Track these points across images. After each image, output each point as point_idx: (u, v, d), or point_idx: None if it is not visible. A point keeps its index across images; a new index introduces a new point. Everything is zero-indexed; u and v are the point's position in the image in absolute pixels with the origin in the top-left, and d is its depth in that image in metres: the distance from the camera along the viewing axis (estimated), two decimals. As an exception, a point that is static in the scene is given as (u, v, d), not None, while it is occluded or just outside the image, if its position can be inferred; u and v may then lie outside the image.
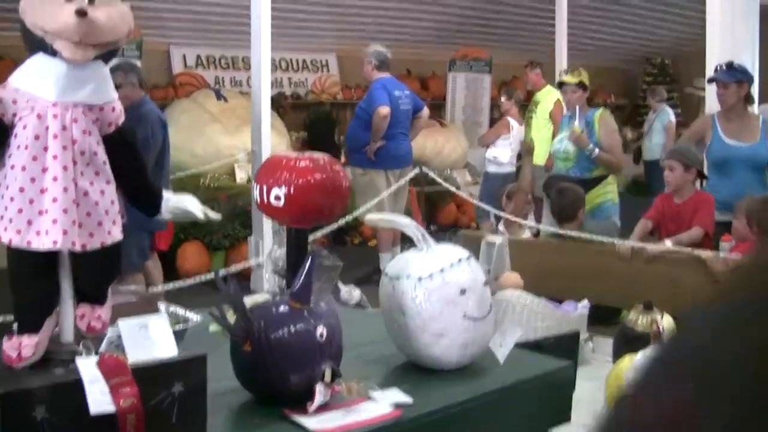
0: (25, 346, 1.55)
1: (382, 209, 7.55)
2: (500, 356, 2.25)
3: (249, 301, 2.01)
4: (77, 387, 1.50)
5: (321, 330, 1.90)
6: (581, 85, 6.14)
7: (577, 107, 6.09)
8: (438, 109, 12.52)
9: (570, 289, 4.38)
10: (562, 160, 6.07)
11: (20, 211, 1.55)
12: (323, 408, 1.88)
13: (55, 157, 1.54)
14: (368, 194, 7.36)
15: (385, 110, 7.22)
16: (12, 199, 1.55)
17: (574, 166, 5.98)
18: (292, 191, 2.42)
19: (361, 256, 8.18)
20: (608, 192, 5.94)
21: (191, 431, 1.65)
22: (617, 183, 6.23)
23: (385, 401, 1.96)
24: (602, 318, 4.13)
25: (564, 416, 2.32)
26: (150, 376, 1.58)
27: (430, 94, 12.51)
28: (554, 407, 2.28)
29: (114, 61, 5.54)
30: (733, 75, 5.46)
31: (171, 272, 7.82)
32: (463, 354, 2.18)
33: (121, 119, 1.65)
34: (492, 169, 8.35)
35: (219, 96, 9.39)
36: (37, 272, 1.59)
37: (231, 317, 1.95)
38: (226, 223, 7.93)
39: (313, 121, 11.21)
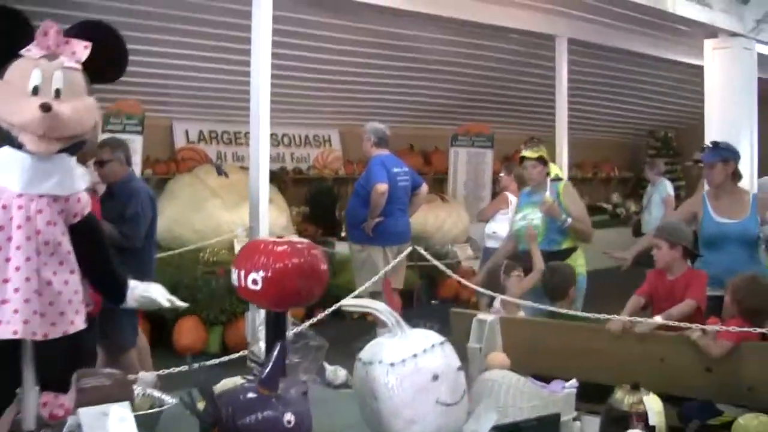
0: (-16, 437, 1.56)
1: (380, 285, 7.56)
2: (475, 443, 2.24)
3: (222, 385, 2.03)
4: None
5: (289, 417, 1.90)
6: (541, 159, 6.22)
7: (548, 180, 6.16)
8: (440, 183, 12.60)
9: (561, 368, 4.34)
10: (528, 235, 6.11)
11: None
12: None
13: (18, 247, 1.57)
14: (366, 270, 7.37)
15: (383, 187, 7.28)
16: None
17: (542, 240, 6.02)
18: (269, 275, 2.45)
19: (361, 331, 8.14)
20: (578, 265, 5.99)
21: None
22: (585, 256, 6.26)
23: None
24: (592, 397, 4.09)
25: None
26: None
27: (432, 169, 12.60)
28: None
29: (102, 137, 5.56)
30: (718, 154, 5.54)
31: (167, 348, 7.81)
32: (437, 440, 2.17)
33: (87, 209, 1.68)
34: (491, 244, 8.35)
35: (220, 171, 9.47)
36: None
37: (202, 403, 1.96)
38: (224, 298, 7.94)
39: (314, 195, 11.29)
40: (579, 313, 5.02)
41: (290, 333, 3.23)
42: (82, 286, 1.72)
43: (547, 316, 5.21)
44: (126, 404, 1.66)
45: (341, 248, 9.42)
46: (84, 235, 1.67)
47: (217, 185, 9.31)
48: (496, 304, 5.49)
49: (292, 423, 1.90)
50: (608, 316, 4.79)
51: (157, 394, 2.34)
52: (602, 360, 4.65)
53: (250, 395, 1.92)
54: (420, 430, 2.15)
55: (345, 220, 8.19)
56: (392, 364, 2.14)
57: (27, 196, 1.58)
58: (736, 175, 5.62)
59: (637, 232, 11.10)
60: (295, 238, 2.59)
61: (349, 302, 2.34)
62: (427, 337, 2.22)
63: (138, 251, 5.42)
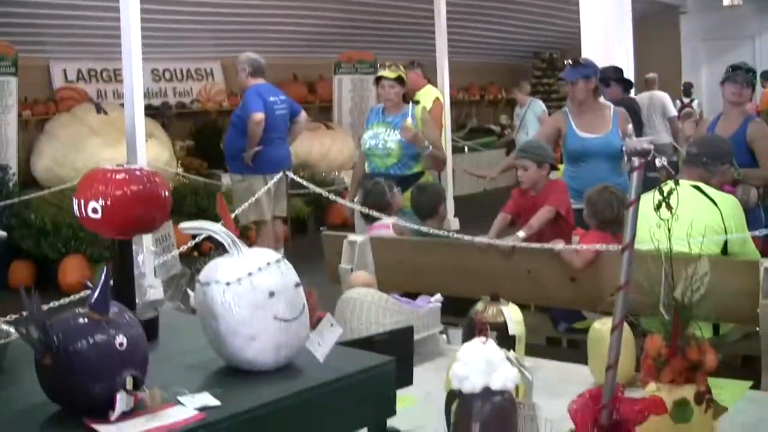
0: None
1: (261, 213, 7.59)
2: (319, 355, 2.31)
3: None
4: None
5: (120, 339, 1.93)
6: (399, 80, 6.27)
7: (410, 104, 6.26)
8: (326, 111, 12.62)
9: (431, 286, 4.45)
10: (380, 156, 6.19)
11: None
12: (126, 416, 1.91)
13: None
14: (247, 200, 7.39)
15: (258, 116, 7.28)
16: None
17: (395, 164, 6.13)
18: (108, 203, 2.46)
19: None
20: None
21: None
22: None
23: (192, 405, 2.01)
24: (460, 311, 4.24)
25: (389, 411, 2.40)
26: None
27: (317, 98, 12.59)
28: (377, 402, 2.35)
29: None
30: (579, 72, 5.67)
31: (54, 287, 7.72)
32: (278, 355, 2.23)
33: None
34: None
35: (99, 109, 9.32)
36: None
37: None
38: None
39: (198, 129, 11.20)
40: (448, 232, 5.14)
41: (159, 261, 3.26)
42: None
43: (418, 236, 5.32)
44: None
45: (228, 180, 9.41)
46: None
47: (97, 123, 9.17)
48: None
49: (125, 345, 1.93)
50: (477, 238, 4.90)
51: (4, 327, 2.35)
52: (471, 276, 4.79)
53: (80, 321, 1.94)
54: (260, 346, 2.20)
55: (224, 152, 8.18)
56: (228, 284, 2.18)
57: None
58: (597, 91, 5.78)
59: (510, 152, 11.38)
60: (134, 166, 2.58)
61: (186, 225, 2.36)
62: (263, 255, 2.26)
63: None
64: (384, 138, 6.18)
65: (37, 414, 1.96)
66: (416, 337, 3.25)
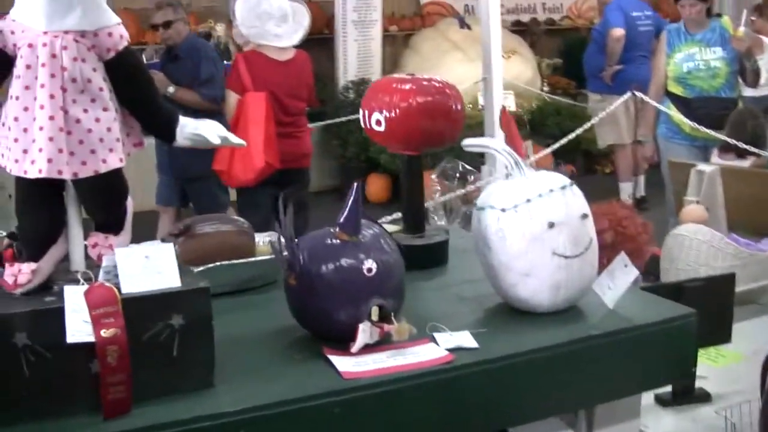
0: (23, 273, 1.53)
1: (619, 136, 7.12)
2: (608, 300, 1.98)
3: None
4: (59, 315, 1.46)
5: (369, 264, 1.74)
6: None
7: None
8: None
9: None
10: (704, 78, 5.40)
11: (16, 140, 1.53)
12: (370, 348, 1.73)
13: (42, 85, 1.50)
14: (607, 121, 6.96)
15: (617, 32, 6.80)
16: (9, 129, 1.54)
17: (725, 84, 5.40)
18: (391, 115, 2.26)
19: (610, 186, 7.77)
20: None
21: (195, 365, 1.57)
22: None
23: (447, 345, 1.78)
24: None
25: (684, 371, 2.02)
26: (142, 307, 1.51)
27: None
28: (670, 362, 1.97)
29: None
30: None
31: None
32: (555, 296, 1.93)
33: (122, 45, 1.57)
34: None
35: (462, 24, 9.22)
36: (36, 200, 1.56)
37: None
38: (460, 153, 7.76)
39: (567, 47, 10.77)
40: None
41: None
42: (128, 124, 1.62)
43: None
44: (170, 246, 1.57)
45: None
46: (121, 71, 1.58)
47: (459, 38, 9.09)
48: (714, 156, 4.94)
49: (374, 271, 1.73)
50: None
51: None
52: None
53: (327, 241, 1.77)
54: (536, 284, 1.92)
55: (584, 69, 7.75)
56: (503, 210, 1.91)
57: (52, 33, 1.51)
58: None
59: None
60: (429, 76, 2.35)
61: (468, 141, 2.09)
62: (548, 180, 1.94)
63: (218, 113, 5.03)
64: (702, 57, 5.48)
65: (280, 338, 1.84)
66: (752, 285, 2.76)
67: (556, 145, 6.28)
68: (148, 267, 1.54)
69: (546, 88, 9.98)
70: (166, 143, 1.68)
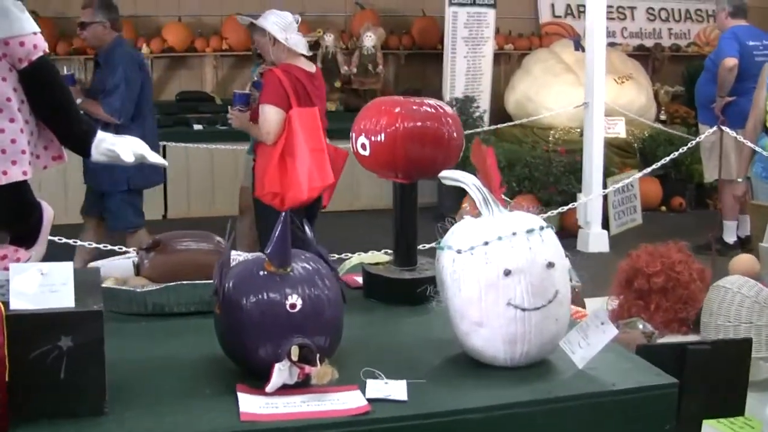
0: None
1: (728, 171, 6.74)
2: (578, 360, 1.81)
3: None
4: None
5: (293, 300, 1.63)
6: None
7: None
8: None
9: None
10: None
11: None
12: (289, 390, 1.62)
13: None
14: (715, 155, 6.62)
15: (731, 62, 6.43)
16: None
17: None
18: (377, 140, 2.15)
19: (715, 222, 7.36)
20: None
21: (85, 390, 1.50)
22: None
23: (374, 394, 1.65)
24: None
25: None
26: (29, 326, 1.45)
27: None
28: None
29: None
30: None
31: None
32: (512, 351, 1.77)
33: (36, 55, 1.51)
34: None
35: (577, 46, 8.93)
36: None
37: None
38: (560, 178, 7.56)
39: (691, 74, 10.31)
40: None
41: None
42: (47, 137, 1.57)
43: None
44: (69, 265, 1.51)
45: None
46: (34, 81, 1.52)
47: (573, 60, 8.81)
48: None
49: (297, 307, 1.62)
50: None
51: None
52: None
53: (253, 270, 1.67)
54: (489, 335, 1.76)
55: (695, 99, 7.38)
56: (459, 251, 1.76)
57: None
58: None
59: None
60: (428, 100, 2.22)
61: (444, 174, 1.94)
62: (515, 222, 1.79)
63: (128, 128, 4.68)
64: None
65: (202, 367, 1.75)
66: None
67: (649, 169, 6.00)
68: (43, 284, 1.49)
69: (663, 116, 9.58)
70: (82, 156, 1.62)
